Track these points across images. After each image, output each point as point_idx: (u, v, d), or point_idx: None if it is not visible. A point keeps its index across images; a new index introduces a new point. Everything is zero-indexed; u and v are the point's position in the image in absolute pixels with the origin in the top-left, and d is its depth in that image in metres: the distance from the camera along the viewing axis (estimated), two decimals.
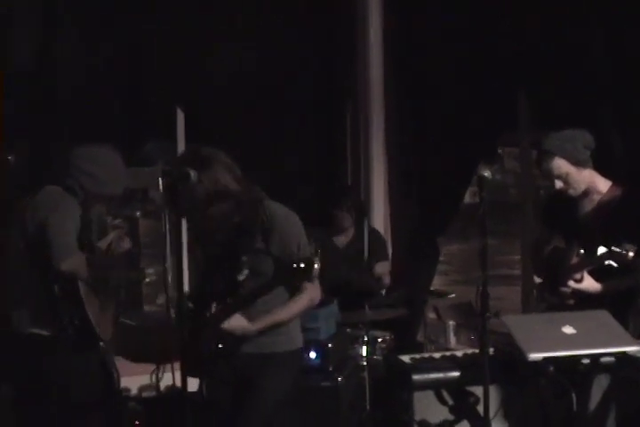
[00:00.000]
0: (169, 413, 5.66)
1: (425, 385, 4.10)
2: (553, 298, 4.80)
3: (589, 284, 4.67)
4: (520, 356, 3.90)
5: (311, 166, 7.43)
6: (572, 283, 4.66)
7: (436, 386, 4.13)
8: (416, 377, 4.04)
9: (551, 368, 3.86)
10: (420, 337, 7.08)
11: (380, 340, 6.27)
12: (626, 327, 4.82)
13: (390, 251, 7.28)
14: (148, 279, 8.31)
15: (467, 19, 6.74)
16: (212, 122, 7.05)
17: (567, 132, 4.87)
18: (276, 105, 7.20)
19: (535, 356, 3.87)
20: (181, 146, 7.09)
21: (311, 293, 4.39)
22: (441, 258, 15.28)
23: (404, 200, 7.41)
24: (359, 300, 6.22)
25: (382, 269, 6.92)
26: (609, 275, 4.62)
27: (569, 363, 3.99)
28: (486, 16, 6.55)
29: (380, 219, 7.45)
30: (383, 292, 6.98)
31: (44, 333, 4.84)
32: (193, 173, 3.98)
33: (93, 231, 5.10)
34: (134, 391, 6.28)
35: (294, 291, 4.38)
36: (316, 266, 4.04)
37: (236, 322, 4.25)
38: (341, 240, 6.94)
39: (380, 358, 5.95)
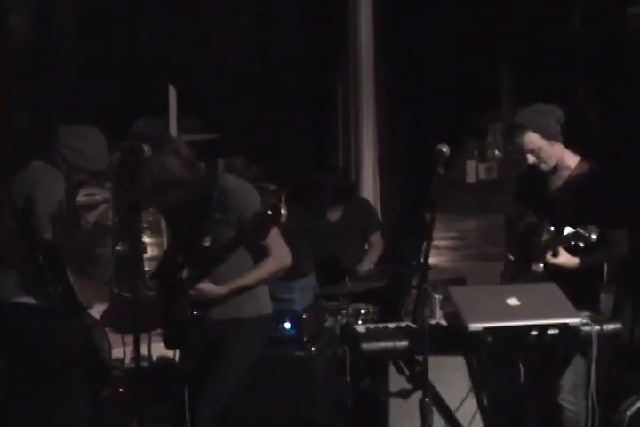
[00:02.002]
0: (157, 382, 5.83)
1: (374, 354, 4.15)
2: (525, 274, 4.81)
3: (567, 259, 4.70)
4: (461, 326, 3.97)
5: (302, 144, 7.54)
6: (549, 257, 4.68)
7: (385, 355, 4.20)
8: (365, 346, 4.08)
9: (489, 339, 3.92)
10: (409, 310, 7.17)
11: (363, 312, 6.39)
12: (596, 302, 4.95)
13: None
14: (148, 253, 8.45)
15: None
16: (204, 99, 7.16)
17: (539, 106, 4.89)
18: (268, 83, 7.31)
19: (475, 326, 3.92)
20: (173, 122, 7.22)
21: (279, 254, 4.45)
22: (454, 234, 15.38)
23: (394, 176, 7.50)
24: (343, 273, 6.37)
25: (376, 239, 7.06)
26: (582, 250, 4.65)
27: (515, 334, 4.06)
28: None
29: (369, 194, 7.54)
30: (372, 266, 7.10)
31: (28, 301, 4.98)
32: (146, 148, 4.11)
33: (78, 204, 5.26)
34: (127, 362, 6.42)
35: (261, 255, 4.46)
36: (282, 211, 4.09)
37: (205, 286, 4.35)
38: (333, 215, 7.07)
39: None
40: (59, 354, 5.02)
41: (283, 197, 4.27)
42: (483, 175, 18.52)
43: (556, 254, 4.67)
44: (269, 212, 4.07)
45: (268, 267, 4.47)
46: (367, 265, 6.98)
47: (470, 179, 19.45)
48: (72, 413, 5.04)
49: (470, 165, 19.52)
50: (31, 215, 4.86)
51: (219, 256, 4.37)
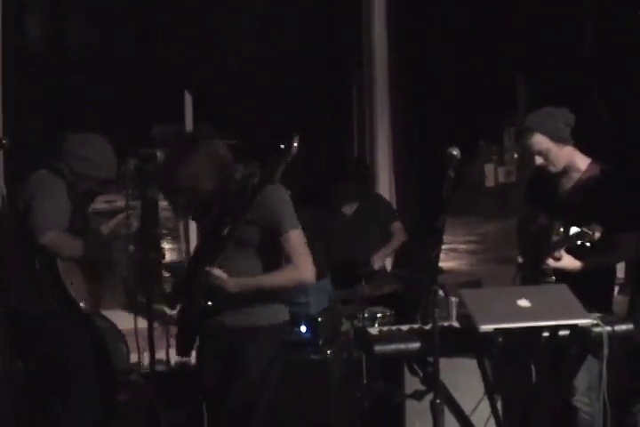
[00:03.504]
0: (176, 387, 5.88)
1: (387, 356, 4.19)
2: (535, 276, 4.82)
3: (569, 262, 4.72)
4: (472, 327, 4.00)
5: (318, 144, 7.58)
6: (550, 261, 4.71)
7: (398, 357, 4.23)
8: (378, 348, 4.13)
9: (500, 339, 3.95)
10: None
11: (379, 316, 6.42)
12: (608, 303, 4.96)
13: None
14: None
15: (470, 4, 6.90)
16: (220, 104, 7.22)
17: (548, 109, 4.92)
18: (283, 82, 7.37)
19: (486, 327, 3.96)
20: (189, 128, 7.27)
21: (302, 265, 4.36)
22: (473, 237, 15.33)
23: (409, 180, 7.54)
24: (359, 276, 6.39)
25: (396, 227, 7.09)
26: (588, 252, 4.67)
27: (526, 335, 4.08)
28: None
29: (384, 195, 7.57)
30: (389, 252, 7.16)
31: (34, 310, 5.06)
32: (159, 154, 4.16)
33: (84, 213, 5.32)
34: (146, 366, 6.45)
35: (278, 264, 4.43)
36: (295, 144, 4.07)
37: (216, 271, 4.28)
38: (348, 210, 7.11)
39: None
40: (62, 358, 5.09)
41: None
42: (502, 179, 18.40)
43: (558, 258, 4.69)
44: (282, 146, 4.07)
45: (286, 274, 4.38)
46: (387, 251, 7.04)
47: (489, 182, 19.42)
48: (76, 416, 5.10)
49: (489, 169, 19.49)
50: (29, 219, 4.93)
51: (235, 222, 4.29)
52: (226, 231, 4.29)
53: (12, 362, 5.34)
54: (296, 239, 4.37)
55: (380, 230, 7.13)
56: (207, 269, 4.30)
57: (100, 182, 5.24)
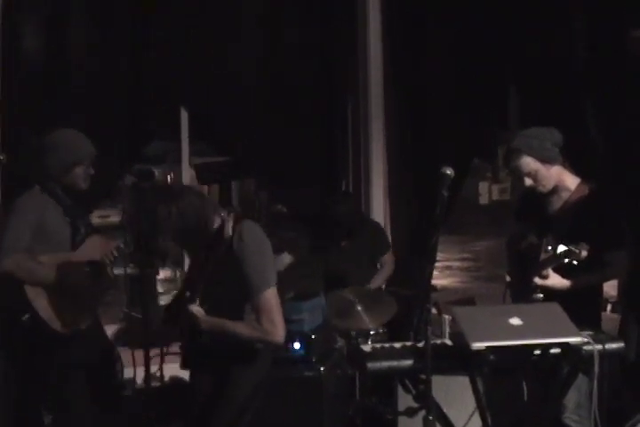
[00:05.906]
0: (170, 402, 5.90)
1: (379, 373, 4.21)
2: (524, 294, 4.84)
3: (557, 281, 4.75)
4: (464, 345, 4.03)
5: (313, 167, 7.63)
6: (537, 280, 4.74)
7: (390, 374, 4.25)
8: (370, 365, 4.15)
9: (492, 357, 3.98)
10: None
11: (372, 333, 6.46)
12: (598, 321, 4.99)
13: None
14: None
15: (462, 20, 6.95)
16: (215, 122, 7.26)
17: (534, 129, 4.95)
18: (278, 106, 7.40)
19: (478, 345, 3.98)
20: (185, 145, 7.31)
21: (267, 328, 4.35)
22: (467, 255, 15.34)
23: (404, 199, 7.58)
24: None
25: (387, 257, 7.17)
26: (576, 271, 4.70)
27: (518, 353, 4.11)
28: (479, 17, 6.76)
29: (379, 217, 7.62)
30: (383, 283, 7.20)
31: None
32: (157, 172, 4.22)
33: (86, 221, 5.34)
34: (139, 382, 6.47)
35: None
36: None
37: (193, 307, 4.37)
38: (344, 240, 7.14)
39: None
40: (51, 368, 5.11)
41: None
42: (496, 196, 18.56)
43: (545, 276, 4.72)
44: None
45: (252, 332, 4.39)
46: (378, 282, 7.08)
47: (484, 200, 19.49)
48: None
49: (483, 187, 19.58)
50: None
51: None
52: (203, 273, 4.38)
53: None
54: (265, 302, 4.35)
55: (371, 261, 7.19)
56: (187, 306, 4.38)
57: (86, 162, 5.19)
